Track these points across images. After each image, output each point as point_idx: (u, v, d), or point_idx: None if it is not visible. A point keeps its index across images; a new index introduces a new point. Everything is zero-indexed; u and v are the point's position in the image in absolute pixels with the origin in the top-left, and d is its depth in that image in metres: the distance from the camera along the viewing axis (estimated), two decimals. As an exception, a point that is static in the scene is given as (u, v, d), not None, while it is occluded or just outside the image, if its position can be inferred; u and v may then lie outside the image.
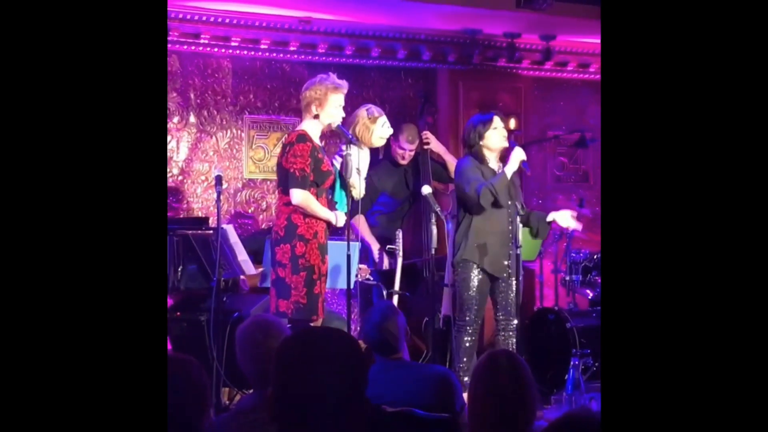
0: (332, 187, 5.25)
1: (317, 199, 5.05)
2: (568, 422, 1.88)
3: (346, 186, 5.19)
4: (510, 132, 7.44)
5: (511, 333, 5.59)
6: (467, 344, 5.62)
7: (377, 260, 6.10)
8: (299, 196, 4.96)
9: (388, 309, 4.32)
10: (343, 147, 5.64)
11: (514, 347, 5.49)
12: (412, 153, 6.35)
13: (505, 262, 5.59)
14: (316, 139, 5.13)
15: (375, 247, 6.13)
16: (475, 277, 5.64)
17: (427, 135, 6.49)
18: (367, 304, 6.19)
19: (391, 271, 6.05)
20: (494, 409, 2.78)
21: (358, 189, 5.30)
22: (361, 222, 6.06)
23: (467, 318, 5.64)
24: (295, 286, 4.94)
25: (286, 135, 5.19)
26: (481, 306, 5.68)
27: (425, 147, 6.45)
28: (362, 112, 5.72)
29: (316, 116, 5.11)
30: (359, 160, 5.35)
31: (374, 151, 6.27)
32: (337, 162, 5.43)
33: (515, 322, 5.58)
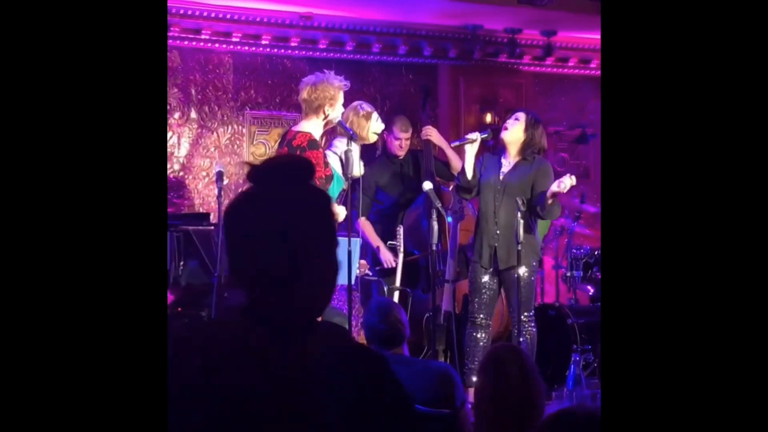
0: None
1: None
2: (559, 419, 1.88)
3: (338, 181, 5.19)
4: (487, 125, 7.49)
5: (517, 329, 5.61)
6: (482, 343, 5.66)
7: (382, 260, 6.10)
8: None
9: (389, 301, 4.33)
10: (336, 143, 5.65)
11: (520, 342, 5.52)
12: (408, 141, 6.37)
13: (512, 260, 5.60)
14: (320, 141, 5.13)
15: (380, 246, 6.13)
16: (485, 275, 5.68)
17: (429, 128, 6.49)
18: (367, 299, 6.20)
19: (393, 268, 6.06)
20: (502, 406, 2.79)
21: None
22: (362, 223, 6.09)
23: (482, 317, 5.69)
24: None
25: (292, 134, 5.10)
26: (493, 303, 5.76)
27: (425, 138, 6.45)
28: (355, 110, 5.72)
29: (327, 116, 5.06)
30: (359, 155, 5.38)
31: (371, 148, 6.28)
32: (330, 157, 5.43)
33: (522, 318, 5.60)
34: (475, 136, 5.69)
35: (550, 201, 5.48)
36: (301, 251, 1.67)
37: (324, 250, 1.72)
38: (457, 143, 5.92)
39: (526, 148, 5.69)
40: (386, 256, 6.08)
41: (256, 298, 1.70)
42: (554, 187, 5.42)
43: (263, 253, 1.67)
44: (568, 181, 5.39)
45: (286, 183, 1.71)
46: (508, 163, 5.72)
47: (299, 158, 1.82)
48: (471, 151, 5.68)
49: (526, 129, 5.67)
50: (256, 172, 1.73)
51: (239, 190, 4.98)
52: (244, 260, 1.71)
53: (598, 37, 7.02)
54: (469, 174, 5.68)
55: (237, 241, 1.71)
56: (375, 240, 6.14)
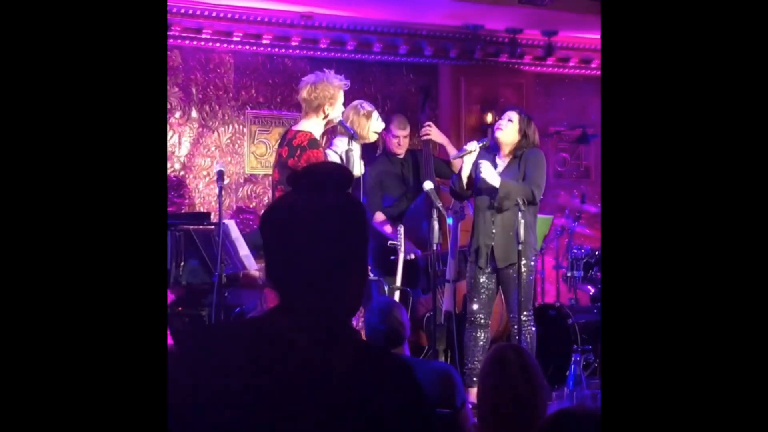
0: None
1: None
2: (559, 420, 1.88)
3: None
4: (487, 125, 7.50)
5: (515, 328, 5.61)
6: (481, 342, 5.66)
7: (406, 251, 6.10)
8: None
9: (391, 301, 4.33)
10: (336, 142, 5.66)
11: (517, 340, 5.51)
12: (406, 139, 6.38)
13: (509, 258, 5.60)
14: (321, 140, 5.12)
15: (389, 229, 6.13)
16: (482, 274, 5.67)
17: (428, 126, 6.48)
18: (367, 299, 6.19)
19: (392, 267, 6.06)
20: (505, 404, 2.79)
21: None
22: (378, 218, 6.14)
23: (480, 317, 5.69)
24: None
25: (293, 133, 5.09)
26: (492, 303, 5.76)
27: (425, 138, 6.45)
28: (356, 109, 5.72)
29: (327, 115, 5.06)
30: (360, 155, 5.39)
31: (372, 148, 6.28)
32: (330, 157, 5.43)
33: (521, 317, 5.59)
34: (474, 146, 5.68)
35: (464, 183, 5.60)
36: (336, 255, 1.73)
37: (357, 254, 1.78)
38: (457, 156, 5.92)
39: (520, 148, 5.69)
40: (408, 248, 6.08)
41: (290, 298, 1.74)
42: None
43: (299, 255, 1.73)
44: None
45: (324, 189, 1.77)
46: (502, 162, 5.72)
47: (338, 166, 1.88)
48: (469, 159, 5.68)
49: (520, 129, 5.68)
50: (297, 178, 1.80)
51: (279, 194, 4.98)
52: (280, 261, 1.76)
53: (599, 37, 7.02)
54: (465, 182, 5.69)
55: (274, 242, 1.76)
56: (386, 227, 6.14)
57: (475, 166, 5.69)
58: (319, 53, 7.35)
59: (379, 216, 6.23)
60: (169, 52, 6.72)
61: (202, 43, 7.04)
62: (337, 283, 1.74)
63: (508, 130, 5.68)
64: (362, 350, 1.76)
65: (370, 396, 1.67)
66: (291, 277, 1.74)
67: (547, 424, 1.89)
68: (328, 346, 1.69)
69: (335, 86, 5.07)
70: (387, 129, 6.22)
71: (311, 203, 1.74)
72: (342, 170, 1.84)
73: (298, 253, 1.72)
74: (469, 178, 5.69)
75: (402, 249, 5.99)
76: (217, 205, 5.68)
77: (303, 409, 1.63)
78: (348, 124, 5.44)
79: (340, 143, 5.58)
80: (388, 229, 6.17)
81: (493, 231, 5.64)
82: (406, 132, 6.37)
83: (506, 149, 5.72)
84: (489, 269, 5.68)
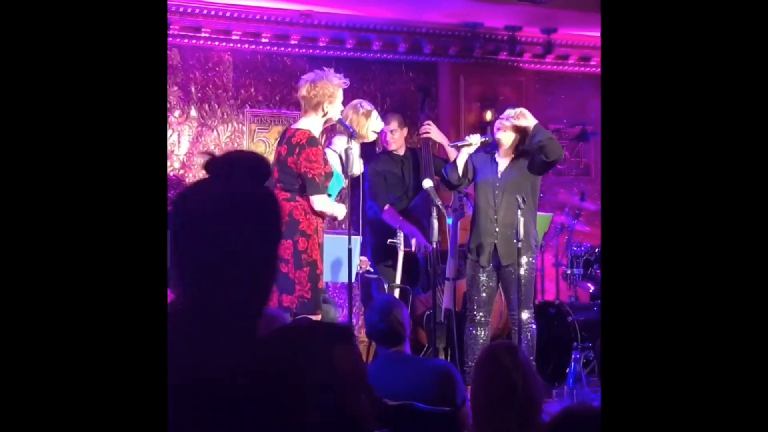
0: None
1: None
2: (567, 417, 1.87)
3: (338, 179, 5.21)
4: (487, 123, 7.51)
5: (516, 328, 5.61)
6: (482, 341, 5.66)
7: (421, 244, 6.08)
8: (322, 203, 4.94)
9: (391, 300, 4.33)
10: (335, 141, 5.66)
11: (520, 339, 5.52)
12: (395, 133, 6.33)
13: (513, 256, 5.60)
14: (320, 139, 5.13)
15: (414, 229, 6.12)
16: (483, 272, 5.67)
17: (428, 125, 6.47)
18: (367, 297, 6.20)
19: (393, 264, 6.06)
20: (498, 403, 2.79)
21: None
22: (388, 211, 6.12)
23: (480, 315, 5.68)
24: (299, 281, 4.92)
25: (292, 132, 5.09)
26: (492, 301, 5.75)
27: (424, 136, 6.45)
28: (355, 108, 5.73)
29: (326, 113, 5.06)
30: (359, 154, 5.40)
31: (371, 147, 6.28)
32: (329, 155, 5.43)
33: (522, 315, 5.59)
34: (476, 139, 5.68)
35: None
36: (248, 246, 1.66)
37: (270, 247, 1.70)
38: (456, 144, 5.91)
39: (520, 145, 5.69)
40: (422, 241, 6.07)
41: (195, 291, 1.68)
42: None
43: (209, 246, 1.65)
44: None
45: (241, 178, 1.69)
46: (504, 161, 5.72)
47: (257, 156, 1.79)
48: (467, 150, 5.68)
49: (517, 129, 5.66)
50: (214, 165, 1.71)
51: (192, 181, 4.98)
52: (186, 251, 1.68)
53: (598, 34, 7.02)
54: (460, 171, 5.68)
55: (183, 231, 1.69)
56: (408, 225, 6.11)
57: (472, 159, 5.69)
58: (318, 51, 7.35)
59: (391, 209, 6.21)
60: (168, 51, 6.71)
61: (201, 41, 7.04)
62: (247, 275, 1.66)
63: (508, 133, 5.68)
64: (272, 333, 1.68)
65: (286, 369, 1.60)
66: (198, 268, 1.66)
67: (553, 423, 1.89)
68: (234, 340, 1.61)
69: (335, 84, 5.07)
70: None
71: (226, 192, 1.66)
72: (260, 160, 1.75)
73: (207, 243, 1.64)
74: (465, 168, 5.68)
75: (402, 248, 5.99)
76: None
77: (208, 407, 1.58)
78: (347, 123, 5.43)
79: (339, 142, 5.58)
80: (401, 220, 6.13)
81: (497, 229, 5.63)
82: (394, 126, 6.33)
83: (508, 151, 5.72)
84: (490, 267, 5.68)
